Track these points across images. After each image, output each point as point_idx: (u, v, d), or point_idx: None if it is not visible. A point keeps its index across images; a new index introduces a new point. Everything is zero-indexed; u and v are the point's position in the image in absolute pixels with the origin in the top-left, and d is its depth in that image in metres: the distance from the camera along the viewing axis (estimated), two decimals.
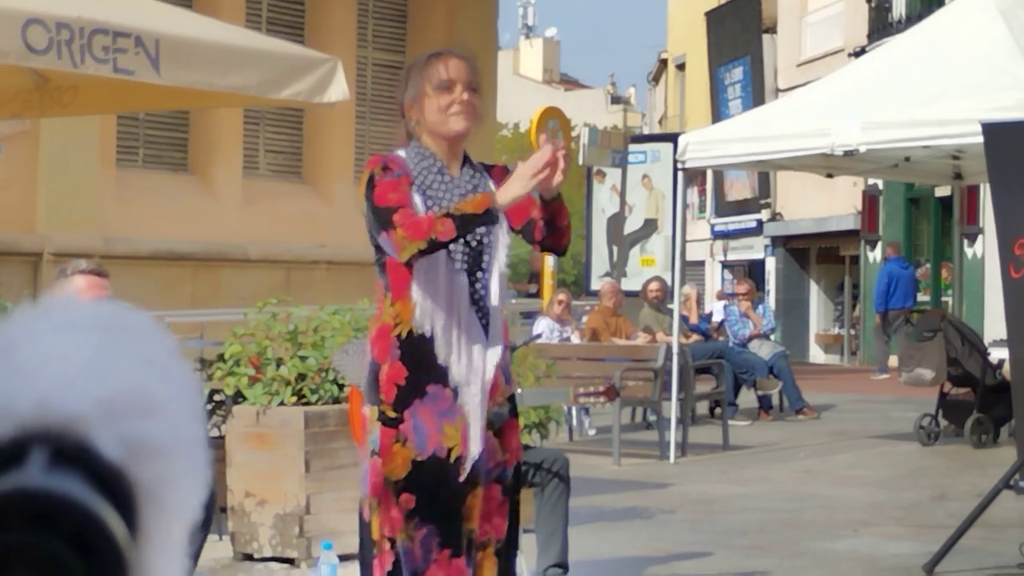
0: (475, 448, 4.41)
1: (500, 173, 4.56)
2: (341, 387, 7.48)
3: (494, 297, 4.50)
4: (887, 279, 23.47)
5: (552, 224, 4.46)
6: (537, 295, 20.26)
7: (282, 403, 7.59)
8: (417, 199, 4.40)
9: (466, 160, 4.58)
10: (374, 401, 4.41)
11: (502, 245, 4.55)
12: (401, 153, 4.51)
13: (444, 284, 4.40)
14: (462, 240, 4.36)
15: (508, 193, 4.30)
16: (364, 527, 4.55)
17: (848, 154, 11.55)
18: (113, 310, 0.85)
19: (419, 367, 4.37)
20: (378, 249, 4.44)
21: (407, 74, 4.58)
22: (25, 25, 6.76)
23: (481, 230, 4.41)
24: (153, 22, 7.63)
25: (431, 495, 4.39)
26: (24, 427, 0.76)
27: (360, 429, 6.27)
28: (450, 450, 4.39)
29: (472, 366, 4.42)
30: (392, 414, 4.37)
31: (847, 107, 11.57)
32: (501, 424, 4.55)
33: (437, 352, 4.38)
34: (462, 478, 4.42)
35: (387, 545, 4.42)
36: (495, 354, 4.48)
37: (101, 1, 7.66)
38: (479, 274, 4.48)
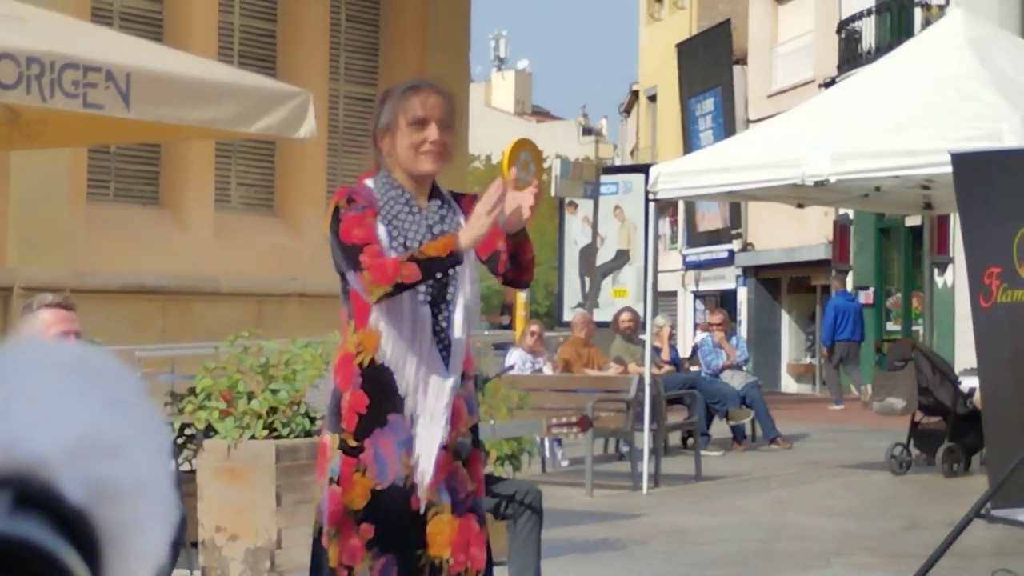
0: (425, 478, 4.41)
1: (469, 202, 4.58)
2: (313, 420, 7.47)
3: (458, 330, 4.51)
4: (833, 312, 23.97)
5: (516, 258, 4.47)
6: (510, 327, 20.25)
7: (253, 437, 7.56)
8: (382, 231, 4.42)
9: (435, 190, 4.59)
10: (335, 429, 4.41)
11: (468, 279, 4.55)
12: (369, 182, 4.52)
13: (408, 315, 4.41)
14: None
15: (468, 235, 4.33)
16: (320, 554, 4.54)
17: (819, 184, 11.60)
18: (77, 351, 0.85)
19: (380, 396, 4.39)
20: (343, 277, 4.47)
21: (382, 102, 4.55)
22: None
23: None
24: (124, 56, 7.63)
25: (390, 524, 4.41)
26: None
27: (320, 456, 6.26)
28: (407, 478, 4.41)
29: (428, 397, 4.43)
30: (353, 443, 4.38)
31: (817, 137, 11.63)
32: (467, 454, 4.56)
33: (397, 382, 4.40)
34: (421, 508, 4.43)
35: (345, 574, 4.42)
36: (453, 386, 4.48)
37: (72, 35, 7.66)
38: (443, 306, 4.50)
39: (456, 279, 4.52)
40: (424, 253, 4.29)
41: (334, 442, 4.41)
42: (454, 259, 4.31)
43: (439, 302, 4.49)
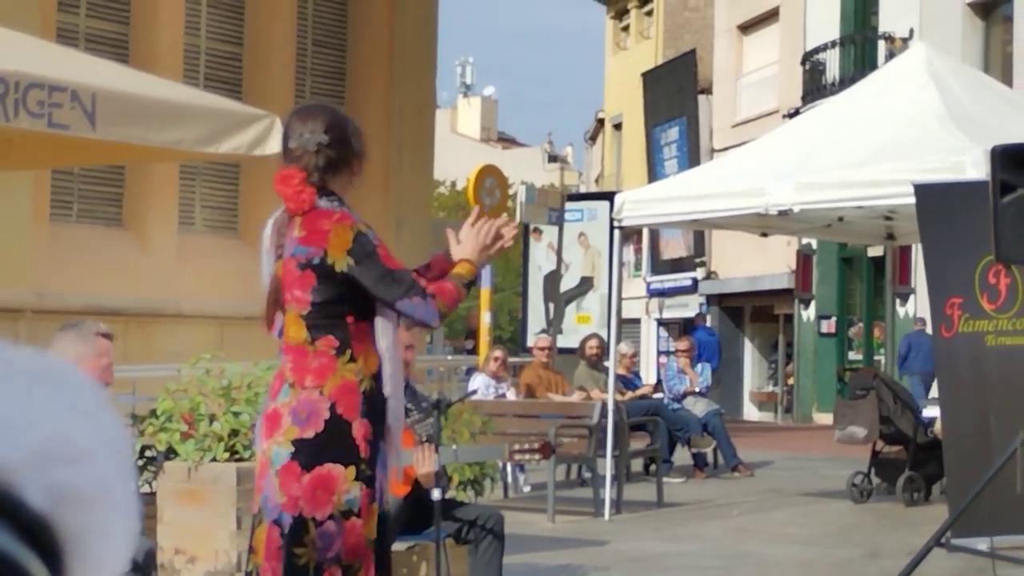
0: (387, 491, 4.52)
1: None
2: None
3: None
4: (697, 345, 24.56)
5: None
6: (474, 351, 20.24)
7: (214, 459, 7.53)
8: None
9: None
10: (350, 460, 4.34)
11: None
12: (335, 206, 4.52)
13: (396, 345, 4.48)
14: None
15: (481, 261, 4.58)
16: None
17: (782, 214, 11.66)
18: (41, 358, 0.85)
19: (377, 422, 4.40)
20: (333, 304, 4.40)
21: (356, 131, 4.63)
22: None
23: None
24: (89, 77, 7.61)
25: (386, 549, 4.54)
26: None
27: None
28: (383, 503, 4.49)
29: (397, 423, 4.52)
30: (369, 472, 4.37)
31: (781, 168, 11.69)
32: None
33: (390, 408, 4.44)
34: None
35: None
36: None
37: (37, 55, 7.64)
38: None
39: None
40: (463, 278, 4.47)
41: (350, 474, 4.35)
42: (474, 283, 4.56)
43: None
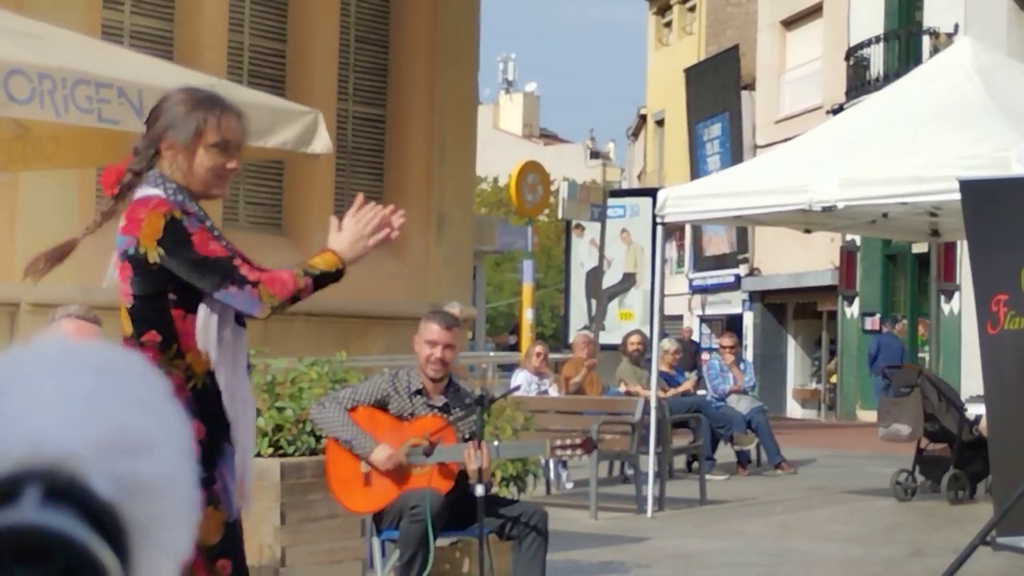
0: (248, 505, 4.30)
1: None
2: (318, 439, 7.47)
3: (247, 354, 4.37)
4: None
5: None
6: (516, 348, 20.27)
7: (259, 454, 7.56)
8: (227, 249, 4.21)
9: None
10: None
11: None
12: (159, 192, 4.18)
13: (230, 339, 4.18)
14: None
15: (352, 254, 4.23)
16: None
17: (826, 210, 11.62)
18: (106, 351, 0.86)
19: (214, 423, 4.11)
20: (153, 298, 4.13)
21: (176, 109, 4.22)
22: (7, 75, 6.77)
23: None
24: (135, 73, 7.66)
25: (243, 558, 4.26)
26: (18, 465, 0.77)
27: (336, 480, 6.22)
28: (239, 509, 4.24)
29: (248, 422, 4.27)
30: (204, 474, 4.04)
31: (825, 164, 11.64)
32: None
33: (226, 407, 4.15)
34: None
35: None
36: (255, 406, 4.43)
37: (82, 53, 7.69)
38: (243, 330, 4.30)
39: None
40: (315, 267, 4.16)
41: None
42: (339, 276, 4.21)
43: (242, 324, 4.30)
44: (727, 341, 17.05)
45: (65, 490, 0.77)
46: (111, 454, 0.79)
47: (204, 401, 4.10)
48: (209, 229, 4.18)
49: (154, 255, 4.07)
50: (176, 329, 4.12)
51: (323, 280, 4.17)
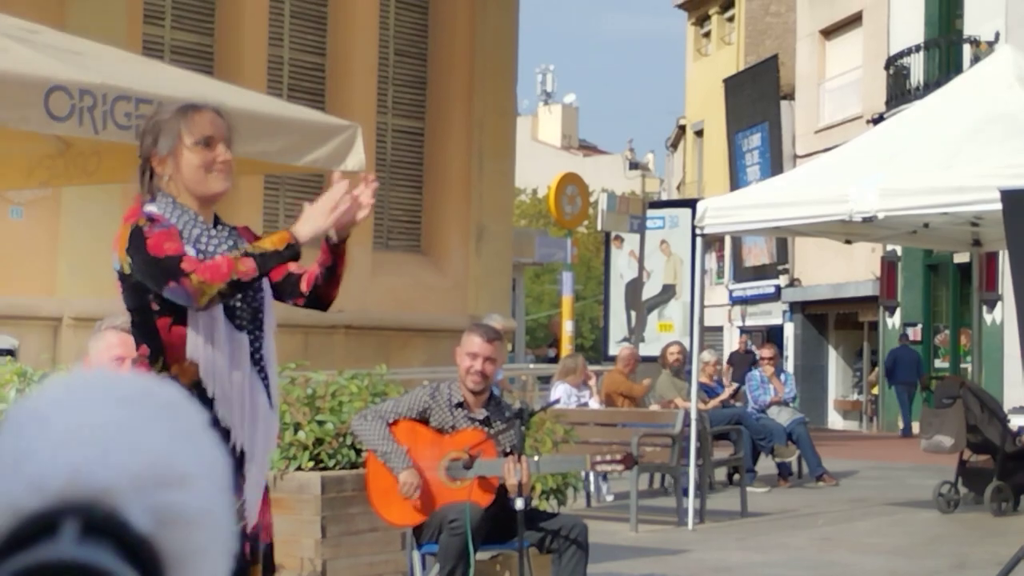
0: (254, 518, 4.19)
1: (246, 233, 4.41)
2: (358, 452, 7.48)
3: (273, 357, 4.30)
4: None
5: (333, 270, 4.34)
6: (555, 360, 20.24)
7: (299, 468, 7.58)
8: (190, 251, 4.15)
9: (217, 220, 4.37)
10: None
11: (271, 304, 4.34)
12: (154, 208, 4.21)
13: (225, 344, 4.12)
14: (239, 296, 4.15)
15: (309, 228, 4.17)
16: None
17: (866, 221, 11.56)
18: (142, 381, 0.86)
19: None
20: (140, 311, 4.14)
21: (156, 126, 4.24)
22: (48, 92, 6.81)
23: (257, 284, 4.22)
24: (175, 89, 7.69)
25: (245, 569, 4.16)
26: (56, 499, 0.77)
27: (376, 494, 6.23)
28: (243, 525, 4.13)
29: (259, 431, 4.17)
30: None
31: (865, 174, 11.59)
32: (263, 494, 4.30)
33: (221, 417, 4.07)
34: (256, 554, 4.20)
35: None
36: (276, 418, 4.32)
37: (124, 68, 7.73)
38: (257, 333, 4.25)
39: (265, 304, 4.30)
40: (259, 247, 4.10)
41: None
42: (291, 252, 4.15)
43: (253, 329, 4.24)
44: (767, 352, 16.98)
45: (103, 524, 0.77)
46: (148, 486, 0.80)
47: None
48: (185, 236, 4.15)
49: (126, 266, 4.11)
50: (162, 341, 4.11)
51: (270, 259, 4.10)
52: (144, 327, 4.15)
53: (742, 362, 27.07)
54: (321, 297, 4.39)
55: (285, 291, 4.33)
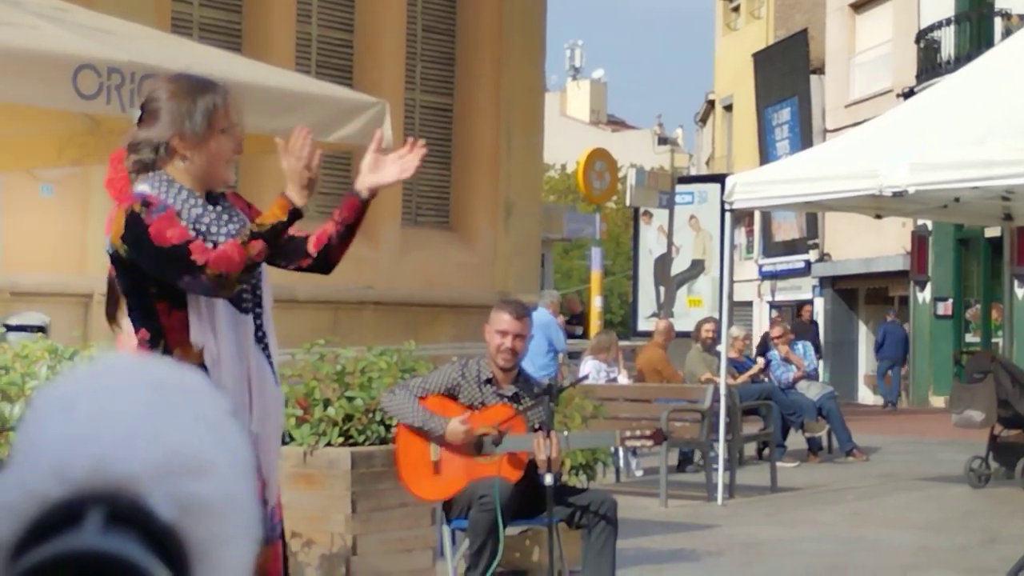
0: (273, 498, 4.15)
1: (234, 199, 4.30)
2: (388, 428, 7.50)
3: (272, 332, 4.21)
4: None
5: (353, 228, 4.24)
6: (584, 336, 20.23)
7: (329, 444, 7.60)
8: (190, 232, 4.03)
9: (208, 195, 4.22)
10: None
11: (267, 277, 4.27)
12: (146, 188, 4.05)
13: (228, 325, 4.03)
14: None
15: (299, 187, 4.05)
16: None
17: (897, 195, 11.51)
18: (165, 368, 0.86)
19: None
20: (136, 294, 4.05)
21: (177, 102, 4.05)
22: (77, 70, 6.83)
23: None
24: (203, 67, 7.70)
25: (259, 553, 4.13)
26: (81, 488, 0.78)
27: (406, 469, 6.23)
28: None
29: (265, 410, 4.10)
30: None
31: (895, 148, 11.54)
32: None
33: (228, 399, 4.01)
34: (267, 535, 4.13)
35: None
36: (282, 394, 4.24)
37: (151, 46, 7.75)
38: (258, 311, 4.17)
39: (263, 279, 4.22)
40: (262, 224, 4.00)
41: None
42: (294, 216, 4.05)
43: (253, 307, 4.16)
44: (776, 332, 16.91)
45: (127, 513, 0.77)
46: (171, 475, 0.80)
47: None
48: (184, 216, 4.04)
49: (121, 251, 4.00)
50: (162, 324, 4.02)
51: (277, 232, 4.02)
52: (141, 310, 4.05)
53: (806, 332, 26.86)
54: (330, 257, 4.29)
55: (287, 254, 4.20)
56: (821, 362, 16.79)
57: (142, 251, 3.94)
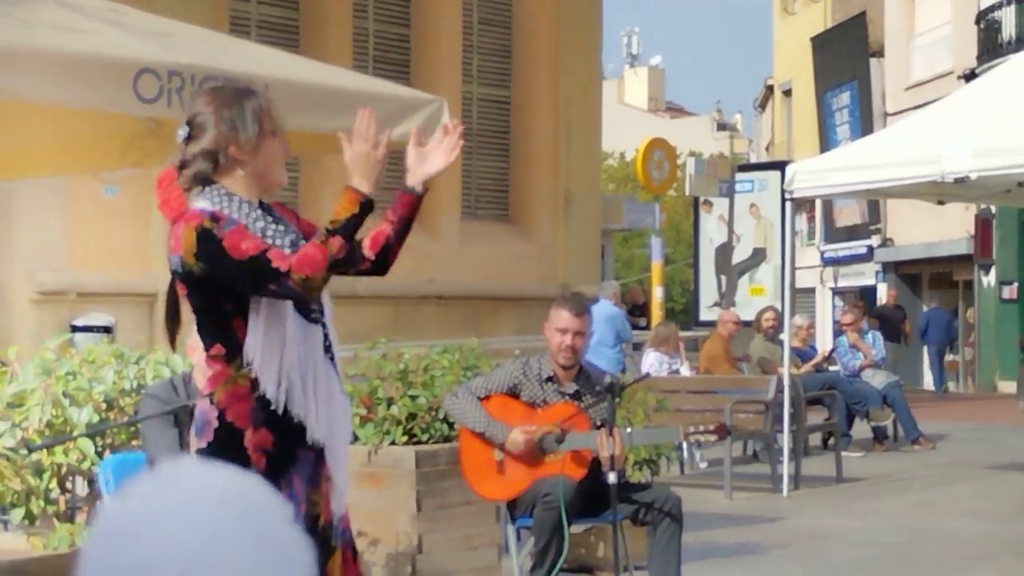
0: (339, 508, 4.14)
1: (283, 211, 4.28)
2: (451, 426, 7.51)
3: (335, 339, 4.18)
4: None
5: (409, 224, 4.20)
6: (646, 328, 20.16)
7: (393, 442, 7.63)
8: (264, 241, 4.02)
9: (260, 204, 4.22)
10: None
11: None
12: (206, 204, 4.03)
13: (296, 336, 4.03)
14: None
15: (365, 178, 4.05)
16: None
17: (959, 181, 11.39)
18: (229, 478, 0.86)
19: (285, 430, 3.99)
20: (209, 311, 4.01)
21: (224, 112, 4.03)
22: (137, 74, 6.87)
23: None
24: (262, 67, 7.73)
25: (329, 561, 4.10)
26: None
27: (469, 469, 6.23)
28: (316, 518, 4.06)
29: (333, 419, 4.09)
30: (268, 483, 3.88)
31: (957, 133, 11.42)
32: None
33: (295, 411, 4.00)
34: (333, 543, 4.13)
35: None
36: (348, 401, 4.23)
37: (211, 48, 7.78)
38: (323, 320, 4.16)
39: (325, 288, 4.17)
40: (336, 221, 3.98)
41: None
42: (367, 208, 4.03)
43: (320, 316, 4.14)
44: (847, 319, 16.77)
45: None
46: None
47: (270, 408, 3.98)
48: (250, 225, 4.02)
49: (195, 269, 3.94)
50: (239, 339, 3.99)
51: (353, 226, 4.00)
52: (214, 327, 4.02)
53: (893, 318, 26.64)
54: (388, 258, 4.25)
55: (347, 260, 4.13)
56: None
57: (220, 266, 3.90)
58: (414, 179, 4.25)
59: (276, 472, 3.91)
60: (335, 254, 3.92)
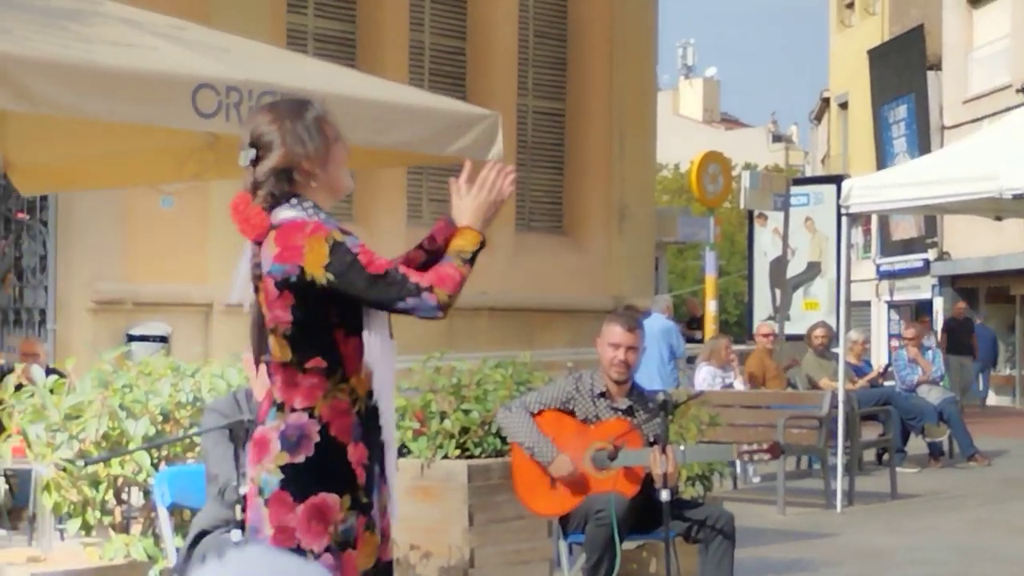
0: (396, 514, 4.15)
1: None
2: (504, 440, 7.53)
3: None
4: None
5: (440, 254, 4.14)
6: (701, 340, 20.10)
7: (446, 456, 7.65)
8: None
9: None
10: (343, 488, 3.93)
11: None
12: (300, 214, 4.00)
13: (384, 353, 4.04)
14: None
15: (481, 221, 4.08)
16: None
17: (1017, 198, 11.32)
18: (295, 567, 0.87)
19: (372, 444, 4.01)
20: (311, 324, 3.95)
21: (288, 127, 4.00)
22: (196, 89, 6.94)
23: None
24: (319, 82, 7.78)
25: None
26: None
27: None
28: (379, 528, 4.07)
29: (390, 423, 4.11)
30: (365, 499, 3.96)
31: (1016, 150, 11.35)
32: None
33: (383, 426, 4.03)
34: (391, 558, 4.15)
35: None
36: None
37: (268, 63, 7.85)
38: (394, 343, 4.13)
39: None
40: (464, 251, 4.01)
41: (345, 503, 3.92)
42: (482, 247, 4.05)
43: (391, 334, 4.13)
44: (910, 333, 16.70)
45: None
46: None
47: (367, 424, 4.00)
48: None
49: (322, 280, 3.90)
50: (340, 353, 3.97)
51: (474, 259, 4.03)
52: (316, 339, 3.98)
53: (961, 329, 26.43)
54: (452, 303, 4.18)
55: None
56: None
57: (356, 279, 3.89)
58: (474, 222, 4.16)
59: (370, 486, 3.96)
60: (465, 279, 3.96)
